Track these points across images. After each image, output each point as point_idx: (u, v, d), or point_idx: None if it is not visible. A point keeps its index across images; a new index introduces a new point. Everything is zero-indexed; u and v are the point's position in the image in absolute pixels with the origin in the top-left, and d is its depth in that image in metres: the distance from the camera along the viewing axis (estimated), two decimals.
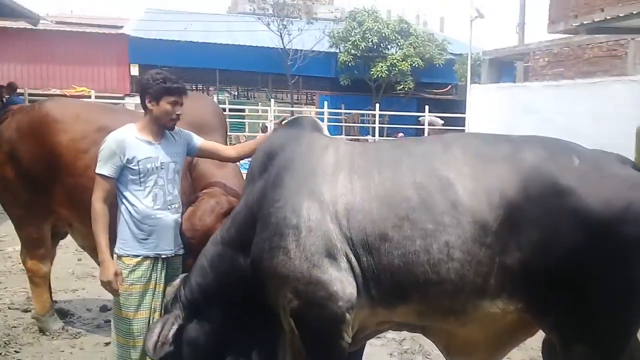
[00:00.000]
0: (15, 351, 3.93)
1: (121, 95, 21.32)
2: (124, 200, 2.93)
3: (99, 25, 24.73)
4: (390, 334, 4.25)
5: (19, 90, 13.63)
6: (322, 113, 18.57)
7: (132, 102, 19.84)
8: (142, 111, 3.03)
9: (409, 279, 2.46)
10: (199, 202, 3.33)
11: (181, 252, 3.10)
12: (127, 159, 2.88)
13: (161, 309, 3.01)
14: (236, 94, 26.12)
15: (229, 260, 2.80)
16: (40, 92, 18.42)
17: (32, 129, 3.82)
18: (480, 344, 2.69)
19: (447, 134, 3.13)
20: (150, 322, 2.99)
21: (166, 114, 2.92)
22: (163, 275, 3.02)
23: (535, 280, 2.37)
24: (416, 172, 2.53)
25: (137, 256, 2.94)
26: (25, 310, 4.54)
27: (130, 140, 2.91)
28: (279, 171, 2.68)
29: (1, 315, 4.45)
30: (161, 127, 2.99)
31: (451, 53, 23.77)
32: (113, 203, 2.97)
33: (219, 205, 3.25)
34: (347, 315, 2.52)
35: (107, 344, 4.13)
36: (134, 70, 22.63)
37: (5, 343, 3.97)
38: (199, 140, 3.18)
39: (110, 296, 4.88)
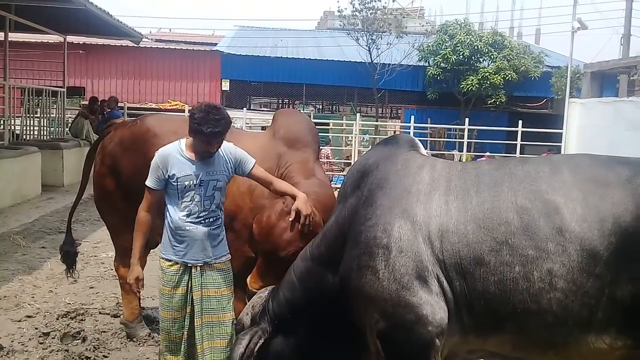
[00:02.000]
0: (104, 356, 4.03)
1: None
2: (166, 210, 3.14)
3: (194, 43, 25.87)
4: None
5: (119, 104, 14.42)
6: (408, 127, 18.29)
7: None
8: (239, 126, 3.09)
9: (506, 307, 2.31)
10: (271, 203, 3.38)
11: (216, 261, 3.16)
12: (169, 174, 3.06)
13: (198, 316, 3.09)
14: (321, 107, 26.34)
15: (317, 277, 2.76)
16: (138, 106, 19.45)
17: (133, 143, 3.95)
18: None
19: (555, 155, 2.93)
20: (185, 325, 3.11)
21: (202, 148, 3.05)
22: (197, 282, 3.11)
23: None
24: (518, 195, 2.38)
25: (169, 260, 3.13)
26: (115, 316, 4.67)
27: (173, 156, 3.08)
28: (371, 189, 2.60)
29: (92, 319, 4.60)
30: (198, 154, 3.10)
31: (548, 66, 22.72)
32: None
33: (285, 205, 3.24)
34: (437, 340, 2.40)
35: None
36: (225, 86, 23.43)
37: (94, 347, 4.09)
38: (251, 164, 3.25)
39: None
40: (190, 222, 3.08)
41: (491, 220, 2.35)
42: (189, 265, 3.11)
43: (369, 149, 3.14)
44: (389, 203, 2.51)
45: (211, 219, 3.14)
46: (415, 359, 2.44)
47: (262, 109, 25.76)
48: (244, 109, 19.99)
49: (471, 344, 2.50)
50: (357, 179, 2.72)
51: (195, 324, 3.10)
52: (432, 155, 2.97)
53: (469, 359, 2.69)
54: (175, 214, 3.08)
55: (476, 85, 21.33)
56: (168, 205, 3.12)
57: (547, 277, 2.25)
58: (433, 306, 2.37)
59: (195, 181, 3.06)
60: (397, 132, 21.39)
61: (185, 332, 3.14)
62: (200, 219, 3.10)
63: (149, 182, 3.10)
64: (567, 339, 2.30)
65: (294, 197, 3.21)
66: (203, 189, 3.08)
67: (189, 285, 3.12)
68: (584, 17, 16.05)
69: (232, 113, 19.55)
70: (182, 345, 3.16)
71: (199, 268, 3.12)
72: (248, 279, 3.25)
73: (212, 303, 3.13)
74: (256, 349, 2.80)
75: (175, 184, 3.05)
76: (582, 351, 2.31)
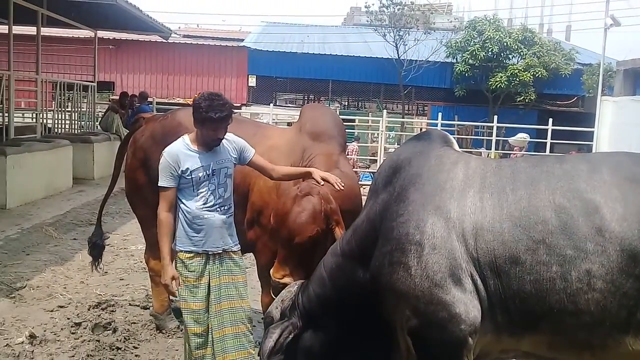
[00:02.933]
0: (134, 347, 4.09)
1: (238, 104, 22.22)
2: (180, 204, 3.19)
3: (222, 39, 26.02)
4: None
5: (148, 99, 14.60)
6: (435, 124, 18.13)
7: (248, 111, 20.66)
8: (263, 121, 3.09)
9: (541, 307, 2.28)
10: (287, 191, 3.45)
11: (234, 248, 3.26)
12: (182, 170, 3.12)
13: (215, 304, 3.18)
14: (346, 104, 26.27)
15: (348, 272, 2.74)
16: (166, 100, 19.66)
17: (164, 136, 3.97)
18: None
19: (593, 153, 2.87)
20: (211, 314, 3.16)
21: (209, 138, 3.13)
22: (216, 270, 3.20)
23: None
24: (556, 193, 2.33)
25: (190, 252, 3.17)
26: (145, 308, 4.73)
27: (182, 152, 3.15)
28: (404, 185, 2.57)
29: (122, 310, 4.67)
30: (205, 145, 3.18)
31: (579, 63, 22.28)
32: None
33: (299, 190, 3.28)
34: (469, 339, 2.37)
35: None
36: (252, 81, 23.54)
37: (125, 338, 4.15)
38: (251, 153, 3.34)
39: None
40: (207, 210, 3.16)
41: (528, 219, 2.31)
42: (209, 253, 3.19)
43: (400, 144, 3.10)
44: (421, 199, 2.48)
45: (226, 207, 3.23)
46: (447, 357, 2.42)
47: (288, 105, 25.80)
48: (271, 104, 20.07)
49: (504, 344, 2.46)
50: (388, 174, 2.69)
51: (213, 310, 3.17)
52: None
53: (502, 358, 2.65)
54: (191, 204, 3.15)
55: (505, 82, 21.03)
56: (182, 200, 3.17)
57: (586, 277, 2.21)
58: (466, 304, 2.34)
59: (208, 171, 3.15)
60: (424, 129, 21.25)
61: (212, 321, 3.19)
62: (216, 207, 3.18)
63: (163, 183, 3.15)
64: (604, 340, 2.26)
65: (302, 175, 3.32)
66: (216, 178, 3.17)
67: (210, 274, 3.20)
68: (617, 13, 15.70)
69: (258, 109, 19.64)
70: (210, 335, 3.19)
71: (217, 256, 3.21)
72: (271, 270, 3.25)
73: (231, 290, 3.22)
74: (286, 343, 2.81)
75: (189, 177, 3.12)
76: (619, 352, 2.27)
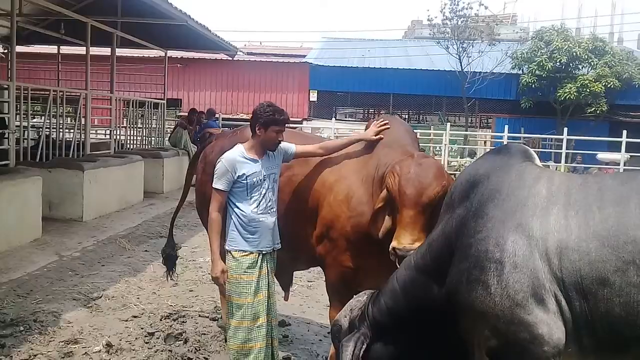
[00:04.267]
0: (204, 357, 4.16)
1: (300, 119, 22.48)
2: (233, 207, 3.45)
3: (284, 55, 26.46)
4: None
5: (215, 115, 15.00)
6: (501, 137, 17.69)
7: (309, 125, 20.86)
8: (327, 136, 3.16)
9: (632, 331, 2.17)
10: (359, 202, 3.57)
11: (278, 246, 3.58)
12: (238, 175, 3.40)
13: (269, 297, 3.50)
14: (407, 116, 26.08)
15: (422, 287, 2.70)
16: (231, 116, 20.14)
17: None
18: None
19: None
20: (264, 308, 3.44)
21: (271, 140, 3.43)
22: (266, 266, 3.50)
23: None
24: None
25: (244, 251, 3.43)
26: (214, 319, 4.81)
27: (239, 159, 3.43)
28: (482, 201, 2.50)
29: (192, 321, 4.76)
30: (265, 148, 3.48)
31: None
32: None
33: (411, 155, 3.40)
34: None
35: (286, 358, 4.21)
36: (313, 96, 23.79)
37: (195, 349, 4.23)
38: (294, 147, 3.63)
39: (286, 311, 5.05)
40: (261, 213, 3.44)
41: (617, 238, 2.20)
42: (263, 252, 3.47)
43: (464, 157, 3.02)
44: (502, 216, 2.40)
45: (274, 209, 3.53)
46: None
47: (348, 118, 25.87)
48: (333, 119, 20.17)
49: None
50: (465, 189, 2.62)
51: (268, 302, 3.50)
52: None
53: None
54: (246, 208, 3.42)
55: (574, 94, 20.32)
56: (235, 203, 3.44)
57: None
58: (550, 325, 2.24)
59: (260, 177, 3.43)
60: (488, 142, 20.76)
61: (265, 315, 3.47)
62: (268, 209, 3.47)
63: (218, 186, 3.41)
64: None
65: (352, 143, 3.68)
66: (267, 183, 3.46)
67: (265, 270, 3.49)
68: None
69: (319, 123, 19.76)
70: (264, 330, 3.45)
71: (268, 254, 3.52)
72: (393, 243, 3.12)
73: (273, 286, 3.59)
74: (360, 355, 2.79)
75: (244, 182, 3.40)
76: None
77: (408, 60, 24.32)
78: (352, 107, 26.10)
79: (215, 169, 3.46)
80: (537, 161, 2.71)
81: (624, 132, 15.72)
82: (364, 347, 2.80)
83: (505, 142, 16.36)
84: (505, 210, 2.41)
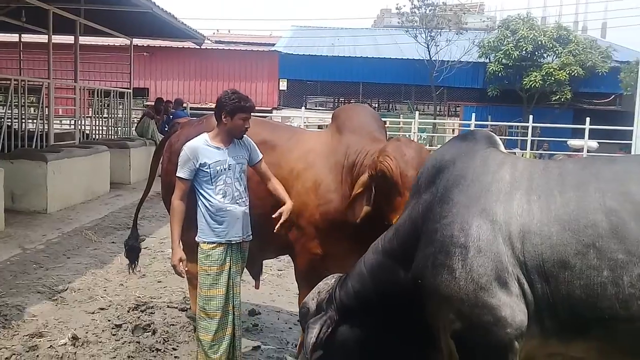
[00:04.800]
0: (173, 348, 4.13)
1: (269, 108, 22.38)
2: (200, 197, 3.42)
3: (253, 44, 26.25)
4: None
5: (183, 105, 14.81)
6: (468, 125, 17.92)
7: (279, 115, 20.78)
8: (297, 125, 3.13)
9: (591, 313, 2.21)
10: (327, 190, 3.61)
11: (249, 238, 3.54)
12: (200, 163, 3.36)
13: (233, 287, 3.47)
14: (377, 106, 26.21)
15: (389, 272, 2.71)
16: (199, 106, 19.92)
17: None
18: None
19: None
20: (230, 298, 3.44)
21: (238, 128, 3.40)
22: (236, 257, 3.49)
23: None
24: (606, 196, 2.26)
25: (212, 242, 3.41)
26: (182, 310, 4.78)
27: (202, 147, 3.39)
28: (448, 186, 2.52)
29: (161, 312, 4.71)
30: (231, 137, 3.44)
31: (616, 61, 21.76)
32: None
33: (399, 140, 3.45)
34: (515, 343, 2.32)
35: (255, 347, 4.22)
36: (283, 85, 23.71)
37: (164, 340, 4.19)
38: (260, 156, 3.57)
39: (256, 300, 5.04)
40: (228, 202, 3.40)
41: (577, 222, 2.25)
42: (232, 242, 3.44)
43: (445, 144, 3.04)
44: (466, 201, 2.43)
45: (243, 199, 3.48)
46: None
47: (318, 108, 25.87)
48: (302, 108, 20.13)
49: (552, 348, 2.39)
50: (431, 174, 2.64)
51: (234, 292, 3.49)
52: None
53: None
54: (212, 198, 3.39)
55: (540, 82, 20.71)
56: (202, 193, 3.41)
57: (638, 282, 2.13)
58: (512, 308, 2.28)
59: (224, 166, 3.39)
60: (456, 130, 21.01)
61: (231, 304, 3.48)
62: (235, 199, 3.43)
63: (180, 174, 3.39)
64: None
65: (281, 200, 3.48)
66: (232, 172, 3.41)
67: (232, 261, 3.47)
68: None
69: (289, 112, 19.70)
70: (232, 317, 3.47)
71: (237, 245, 3.48)
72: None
73: (240, 276, 3.58)
74: (324, 338, 2.81)
75: (207, 170, 3.36)
76: None
77: (377, 49, 24.40)
78: (322, 96, 26.10)
79: (179, 157, 3.43)
80: (502, 147, 2.75)
81: (587, 119, 16.09)
82: (329, 330, 2.82)
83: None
84: (470, 195, 2.44)
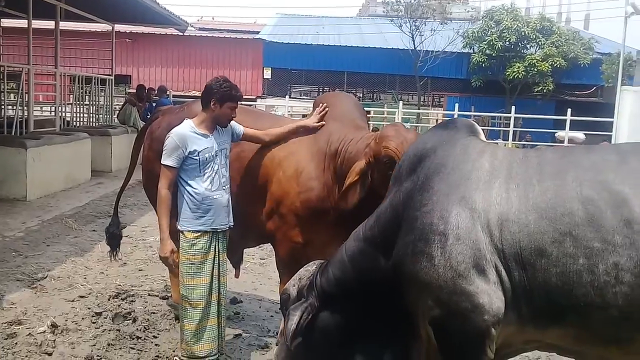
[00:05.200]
0: (153, 336, 4.12)
1: (253, 97, 22.27)
2: (185, 186, 3.36)
3: (237, 31, 26.05)
4: (524, 353, 3.90)
5: (166, 93, 14.65)
6: (451, 115, 18.00)
7: (263, 103, 20.69)
8: (281, 114, 3.13)
9: (567, 300, 2.25)
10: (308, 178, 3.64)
11: (232, 225, 3.52)
12: (189, 151, 3.30)
13: (219, 276, 3.48)
14: (362, 95, 26.22)
15: (370, 259, 2.73)
16: (182, 93, 19.76)
17: None
18: None
19: (622, 143, 2.81)
20: (215, 288, 3.43)
21: (225, 116, 3.37)
22: (221, 245, 3.47)
23: None
24: (583, 185, 2.29)
25: (197, 231, 3.36)
26: (163, 298, 4.76)
27: (189, 135, 3.33)
28: (428, 174, 2.54)
29: (142, 300, 4.70)
30: (216, 124, 3.41)
31: (598, 52, 21.98)
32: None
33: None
34: (492, 330, 2.35)
35: (236, 335, 4.22)
36: (267, 74, 23.60)
37: (144, 328, 4.18)
38: (241, 128, 3.59)
39: (238, 288, 5.04)
40: (216, 190, 3.37)
41: (554, 211, 2.28)
42: (217, 231, 3.41)
43: (427, 131, 3.06)
44: (446, 189, 2.45)
45: (227, 186, 3.46)
46: (469, 348, 2.40)
47: (303, 97, 25.81)
48: (286, 96, 20.07)
49: (528, 335, 2.43)
50: (413, 162, 2.65)
51: (220, 282, 3.47)
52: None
53: (525, 349, 2.64)
54: (199, 186, 3.34)
55: (522, 73, 20.84)
56: (187, 181, 3.35)
57: (613, 270, 2.17)
58: (490, 295, 2.31)
59: (212, 152, 3.36)
60: (440, 120, 21.10)
61: (216, 293, 3.46)
62: (222, 186, 3.41)
63: (169, 162, 3.31)
64: (632, 333, 2.22)
65: (294, 131, 3.61)
66: (219, 159, 3.39)
67: (217, 250, 3.44)
68: (638, 1, 15.39)
69: (273, 101, 19.60)
70: (216, 307, 3.46)
71: (223, 233, 3.47)
72: None
73: (225, 265, 3.55)
74: (304, 324, 2.82)
75: (196, 158, 3.31)
76: None
77: (362, 38, 24.36)
78: (307, 85, 26.03)
79: (165, 144, 3.35)
80: (482, 136, 2.77)
81: (569, 110, 16.25)
82: (310, 316, 2.82)
83: None
84: (450, 183, 2.46)
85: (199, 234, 3.37)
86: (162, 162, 3.34)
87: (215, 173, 3.37)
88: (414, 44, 21.93)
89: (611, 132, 14.84)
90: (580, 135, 16.41)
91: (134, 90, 16.00)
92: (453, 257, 2.34)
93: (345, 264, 2.82)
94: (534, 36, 21.23)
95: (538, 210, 2.30)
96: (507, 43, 21.18)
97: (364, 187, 3.31)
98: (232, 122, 3.52)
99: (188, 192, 3.35)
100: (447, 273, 2.34)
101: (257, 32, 25.01)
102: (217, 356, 3.52)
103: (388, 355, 2.79)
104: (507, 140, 17.30)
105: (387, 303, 2.70)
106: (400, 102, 19.23)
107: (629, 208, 2.19)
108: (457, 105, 18.14)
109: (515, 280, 2.32)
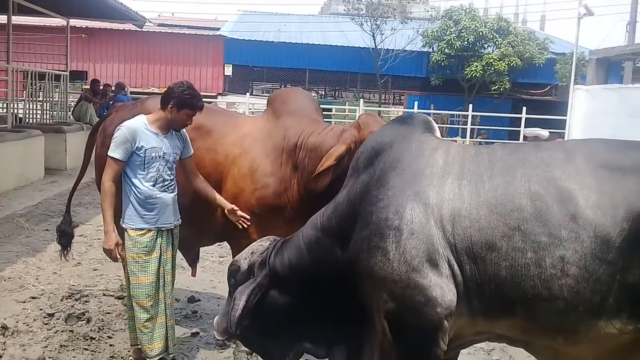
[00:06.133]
0: (108, 336, 4.04)
1: (214, 94, 22.05)
2: (129, 182, 3.31)
3: (197, 27, 25.74)
4: (479, 344, 3.99)
5: (124, 89, 14.35)
6: (411, 113, 18.21)
7: (224, 100, 20.51)
8: (238, 111, 3.10)
9: (516, 292, 2.31)
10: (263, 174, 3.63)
11: (179, 222, 3.48)
12: (137, 146, 3.25)
13: (172, 272, 3.47)
14: (323, 93, 26.26)
15: (326, 250, 2.74)
16: (141, 90, 19.41)
17: None
18: None
19: (569, 141, 2.89)
20: (160, 285, 3.39)
21: (180, 122, 3.34)
22: (167, 244, 3.42)
23: None
24: (531, 181, 2.36)
25: (141, 229, 3.32)
26: (119, 298, 4.68)
27: (141, 130, 3.28)
28: (385, 169, 2.58)
29: (96, 300, 4.60)
30: (170, 127, 3.36)
31: (552, 52, 22.60)
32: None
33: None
34: (445, 322, 2.41)
35: (194, 334, 4.18)
36: (228, 71, 23.39)
37: (99, 328, 4.09)
38: (191, 152, 3.51)
39: (197, 287, 4.99)
40: (158, 190, 3.33)
41: (504, 206, 2.33)
42: (162, 229, 3.37)
43: (385, 125, 3.11)
44: (401, 185, 2.48)
45: (173, 186, 3.42)
46: (423, 340, 2.44)
47: (264, 94, 25.69)
48: (247, 94, 19.94)
49: (479, 326, 2.49)
50: (371, 155, 2.69)
51: (165, 281, 3.43)
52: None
53: (475, 340, 2.69)
54: (142, 184, 3.29)
55: (480, 72, 21.24)
56: (131, 178, 3.30)
57: (559, 263, 2.23)
58: (442, 288, 2.36)
59: (160, 153, 3.30)
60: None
61: (162, 292, 3.42)
62: (165, 187, 3.36)
63: (115, 154, 3.24)
64: (577, 325, 2.29)
65: (213, 203, 3.47)
66: (165, 161, 3.33)
67: (161, 248, 3.38)
68: (590, 3, 15.88)
69: (234, 98, 19.40)
70: (163, 305, 3.42)
71: (168, 231, 3.42)
72: None
73: (171, 263, 3.47)
74: (251, 306, 2.80)
75: (142, 155, 3.26)
76: (591, 336, 2.31)
77: (324, 36, 24.41)
78: (269, 82, 25.91)
79: (114, 136, 3.28)
80: (437, 132, 2.82)
81: (524, 108, 16.66)
82: (257, 298, 2.81)
83: None
84: (405, 179, 2.50)
85: (143, 231, 3.31)
86: (108, 154, 3.26)
87: (159, 175, 3.32)
88: (374, 42, 22.09)
89: (564, 129, 15.28)
90: (544, 132, 16.84)
91: (89, 86, 15.63)
92: (407, 252, 2.37)
93: (301, 251, 2.82)
94: (492, 36, 21.67)
95: (489, 205, 2.36)
96: (466, 43, 21.56)
97: (336, 172, 3.33)
98: (189, 140, 3.49)
99: (132, 189, 3.30)
100: (402, 267, 2.38)
101: (218, 29, 24.75)
102: (165, 354, 3.48)
103: (339, 345, 2.81)
104: (465, 138, 17.62)
105: (342, 294, 2.71)
106: (362, 100, 19.35)
107: (575, 203, 2.26)
108: (416, 103, 18.32)
109: (466, 274, 2.37)
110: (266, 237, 3.06)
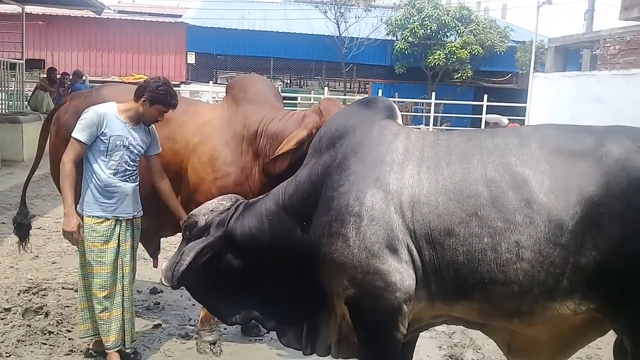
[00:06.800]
0: (67, 330, 3.96)
1: (177, 82, 21.70)
2: (90, 168, 3.27)
3: (159, 15, 25.23)
4: (440, 327, 4.07)
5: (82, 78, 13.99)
6: (376, 96, 18.28)
7: (187, 89, 20.20)
8: (199, 99, 3.07)
9: (473, 277, 2.37)
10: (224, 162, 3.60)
11: (140, 214, 3.45)
12: (102, 131, 3.23)
13: (132, 264, 3.44)
14: (289, 82, 26.12)
15: (287, 227, 2.75)
16: (100, 79, 18.96)
17: None
18: (545, 344, 2.58)
19: (523, 126, 2.94)
20: (118, 277, 3.35)
21: (151, 117, 3.32)
22: (125, 234, 3.37)
23: (612, 280, 2.26)
24: (487, 167, 2.40)
25: (98, 217, 3.27)
26: (78, 290, 4.58)
27: (110, 116, 3.26)
28: (346, 154, 2.59)
29: (55, 294, 4.50)
30: (139, 120, 3.34)
31: (513, 40, 22.96)
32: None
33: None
34: (404, 306, 2.45)
35: (156, 325, 4.14)
36: (191, 59, 23.01)
37: (57, 322, 4.00)
38: (157, 150, 3.48)
39: (159, 278, 4.92)
40: (119, 179, 3.29)
41: (461, 192, 2.37)
42: (119, 219, 3.32)
43: (349, 106, 3.11)
44: (362, 171, 2.50)
45: (134, 177, 3.38)
46: (383, 324, 2.48)
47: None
48: (210, 82, 19.69)
49: (437, 310, 2.54)
50: (334, 136, 2.69)
51: (124, 272, 3.37)
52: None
53: (434, 323, 2.74)
54: (102, 172, 3.26)
55: (443, 60, 21.44)
56: (92, 163, 3.26)
57: (515, 248, 2.28)
58: (402, 273, 2.39)
59: (124, 142, 3.28)
60: None
61: (120, 284, 3.37)
62: (127, 176, 3.32)
63: (80, 136, 3.19)
64: (532, 307, 2.35)
65: (174, 211, 3.43)
66: (129, 152, 3.30)
67: (119, 239, 3.33)
68: None
69: (198, 87, 19.11)
70: (120, 298, 3.38)
71: (127, 221, 3.37)
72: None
73: (130, 255, 3.42)
74: (200, 263, 2.82)
75: (106, 141, 3.23)
76: (546, 317, 2.38)
77: (288, 23, 24.21)
78: (233, 70, 25.58)
79: (81, 117, 3.24)
80: (399, 119, 2.83)
81: (485, 96, 16.92)
82: (206, 257, 2.81)
83: None
84: (366, 165, 2.51)
85: (100, 220, 3.27)
86: (72, 135, 3.21)
87: (120, 164, 3.28)
88: (339, 30, 22.05)
89: (525, 116, 15.60)
90: (504, 119, 17.11)
91: (46, 74, 15.20)
92: (367, 238, 2.40)
93: (263, 224, 2.82)
94: (454, 24, 21.87)
95: (446, 192, 2.39)
96: (429, 31, 21.72)
97: (295, 157, 3.31)
98: (158, 138, 3.46)
99: (91, 176, 3.26)
100: (362, 253, 2.40)
101: (180, 16, 24.31)
102: (120, 347, 3.44)
103: (291, 322, 2.83)
104: (429, 126, 17.81)
105: (296, 272, 2.73)
106: (326, 89, 19.38)
107: (529, 188, 2.31)
108: (380, 91, 18.46)
109: (425, 259, 2.41)
110: (227, 196, 3.04)
